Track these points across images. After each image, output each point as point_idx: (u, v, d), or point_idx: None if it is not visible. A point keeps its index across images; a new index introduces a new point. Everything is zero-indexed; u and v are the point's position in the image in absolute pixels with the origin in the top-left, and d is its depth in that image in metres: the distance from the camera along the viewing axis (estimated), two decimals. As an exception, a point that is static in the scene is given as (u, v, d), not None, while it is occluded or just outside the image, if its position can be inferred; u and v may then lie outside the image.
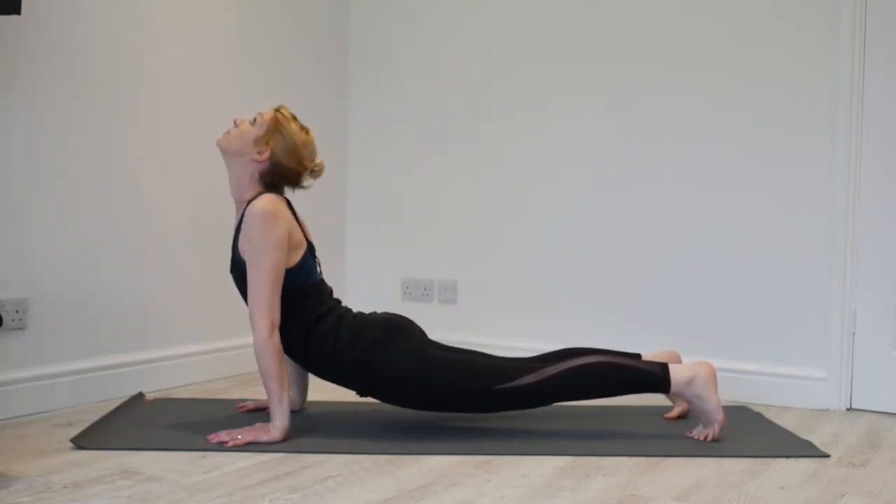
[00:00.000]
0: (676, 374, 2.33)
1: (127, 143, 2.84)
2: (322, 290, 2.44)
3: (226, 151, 2.41)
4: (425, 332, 2.46)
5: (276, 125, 2.40)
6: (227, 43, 3.21)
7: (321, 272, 2.48)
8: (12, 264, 2.52)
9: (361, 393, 2.41)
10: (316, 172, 2.47)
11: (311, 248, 2.43)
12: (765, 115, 2.91)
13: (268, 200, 2.32)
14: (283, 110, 2.44)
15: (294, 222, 2.37)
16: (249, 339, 3.26)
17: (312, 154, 2.45)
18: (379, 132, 3.71)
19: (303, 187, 2.48)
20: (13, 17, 2.45)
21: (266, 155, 2.37)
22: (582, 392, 2.35)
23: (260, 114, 2.44)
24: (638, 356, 2.41)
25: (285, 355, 2.31)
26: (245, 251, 2.31)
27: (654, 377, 2.34)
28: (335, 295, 2.52)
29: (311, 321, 2.36)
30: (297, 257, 2.36)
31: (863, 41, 2.77)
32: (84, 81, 2.70)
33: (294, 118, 2.45)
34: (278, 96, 3.42)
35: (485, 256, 3.46)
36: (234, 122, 2.44)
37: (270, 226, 2.28)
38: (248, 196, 2.38)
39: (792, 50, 2.87)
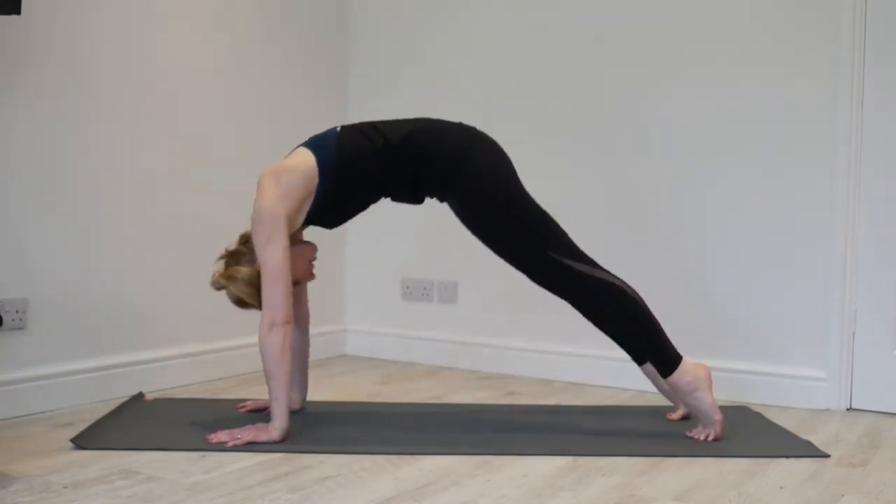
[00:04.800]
0: (681, 369, 2.34)
1: (127, 143, 2.84)
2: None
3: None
4: None
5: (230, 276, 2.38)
6: (227, 43, 3.21)
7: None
8: (12, 264, 2.52)
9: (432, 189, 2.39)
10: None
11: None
12: (765, 115, 2.91)
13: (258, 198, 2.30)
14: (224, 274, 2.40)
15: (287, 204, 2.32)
16: (249, 339, 3.28)
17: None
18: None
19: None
20: (13, 17, 2.45)
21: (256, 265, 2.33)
22: (611, 312, 2.35)
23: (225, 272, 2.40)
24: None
25: (287, 354, 2.27)
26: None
27: (671, 353, 2.35)
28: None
29: (377, 162, 2.34)
30: (304, 207, 2.33)
31: (863, 41, 2.77)
32: (84, 82, 2.70)
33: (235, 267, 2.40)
34: (278, 96, 3.43)
35: (485, 256, 3.45)
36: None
37: (256, 224, 2.27)
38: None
39: (792, 50, 2.87)
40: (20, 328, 2.54)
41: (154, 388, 2.89)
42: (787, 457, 2.21)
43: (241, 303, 2.40)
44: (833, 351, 2.82)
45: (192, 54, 3.07)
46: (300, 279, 2.46)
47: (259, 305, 2.32)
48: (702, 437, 2.34)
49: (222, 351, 3.17)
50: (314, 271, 2.51)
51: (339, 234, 3.76)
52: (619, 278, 2.38)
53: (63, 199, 2.65)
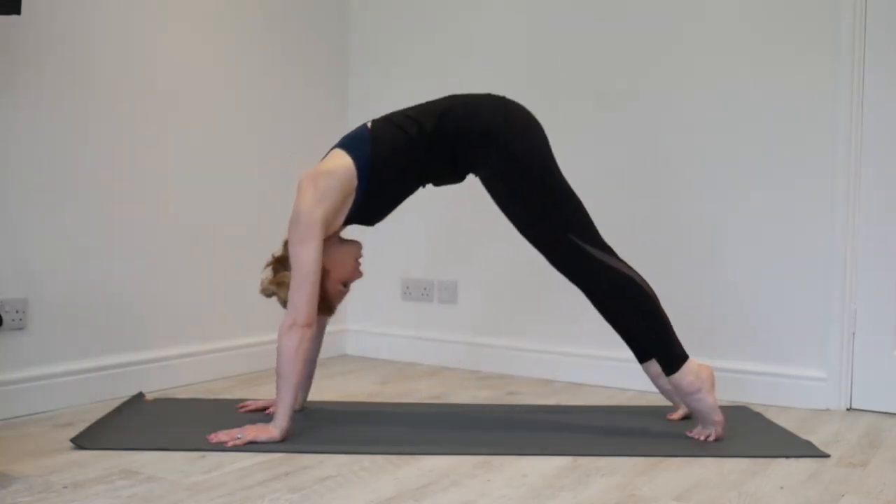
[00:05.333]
0: (685, 368, 2.34)
1: (127, 143, 2.84)
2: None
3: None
4: None
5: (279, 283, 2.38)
6: (228, 42, 3.21)
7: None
8: (12, 264, 2.52)
9: (469, 165, 2.38)
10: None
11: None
12: (764, 115, 2.91)
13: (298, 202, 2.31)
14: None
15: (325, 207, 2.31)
16: (249, 339, 3.29)
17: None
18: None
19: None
20: (13, 17, 2.45)
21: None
22: (624, 303, 2.35)
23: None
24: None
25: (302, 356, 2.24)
26: None
27: (677, 352, 2.35)
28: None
29: (416, 147, 2.34)
30: (343, 208, 2.33)
31: (863, 41, 2.77)
32: (84, 82, 2.70)
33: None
34: (278, 95, 3.43)
35: (485, 256, 3.46)
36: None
37: (292, 226, 2.27)
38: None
39: (792, 50, 2.87)
40: (20, 328, 2.54)
41: (154, 388, 2.89)
42: (787, 457, 2.21)
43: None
44: (833, 351, 2.82)
45: (192, 54, 3.07)
46: (349, 279, 2.44)
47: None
48: (701, 438, 2.34)
49: (222, 351, 3.17)
50: (361, 269, 2.49)
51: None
52: (635, 271, 2.38)
53: (63, 199, 2.65)
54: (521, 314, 3.37)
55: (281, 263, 2.39)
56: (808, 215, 2.85)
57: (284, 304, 2.33)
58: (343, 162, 2.31)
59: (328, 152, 2.41)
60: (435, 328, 3.57)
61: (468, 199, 3.47)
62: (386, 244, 3.67)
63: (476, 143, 2.34)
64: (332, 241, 2.37)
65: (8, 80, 2.50)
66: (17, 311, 2.52)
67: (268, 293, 2.41)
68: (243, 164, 3.27)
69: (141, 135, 2.89)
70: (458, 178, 2.46)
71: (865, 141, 2.78)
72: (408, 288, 3.61)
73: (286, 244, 2.38)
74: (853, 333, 2.80)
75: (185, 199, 3.04)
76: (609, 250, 2.37)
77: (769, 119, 2.90)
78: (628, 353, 3.03)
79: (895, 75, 2.74)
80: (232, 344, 3.21)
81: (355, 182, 2.31)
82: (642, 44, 3.12)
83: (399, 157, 2.34)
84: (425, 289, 3.58)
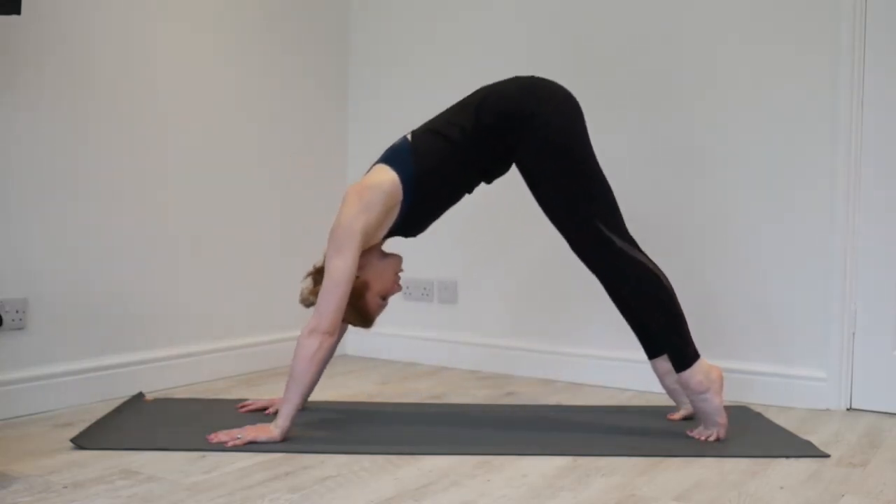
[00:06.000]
0: (696, 367, 2.34)
1: (127, 143, 2.84)
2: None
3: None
4: None
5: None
6: (228, 43, 3.21)
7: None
8: (12, 264, 2.52)
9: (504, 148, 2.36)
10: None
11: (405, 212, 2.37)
12: (764, 115, 2.91)
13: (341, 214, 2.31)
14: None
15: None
16: (249, 339, 3.29)
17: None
18: (379, 132, 3.71)
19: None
20: (13, 17, 2.45)
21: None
22: (643, 295, 2.34)
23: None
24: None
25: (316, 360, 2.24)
26: None
27: (690, 349, 2.35)
28: None
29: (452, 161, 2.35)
30: (386, 222, 2.34)
31: (863, 41, 2.77)
32: (84, 82, 2.70)
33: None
34: (279, 95, 3.43)
35: (485, 256, 3.46)
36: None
37: (332, 235, 2.28)
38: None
39: (792, 50, 2.87)
40: (20, 328, 2.54)
41: (154, 388, 2.89)
42: (787, 457, 2.21)
43: None
44: (833, 351, 2.82)
45: (192, 54, 3.07)
46: (388, 292, 2.43)
47: (350, 319, 2.37)
48: (702, 438, 2.34)
49: (222, 351, 3.17)
50: (400, 282, 2.48)
51: (339, 234, 3.75)
52: (655, 265, 2.38)
53: (63, 198, 2.65)
54: (521, 314, 3.37)
55: (321, 274, 2.38)
56: (808, 215, 2.85)
57: None
58: (388, 176, 2.31)
59: (370, 167, 2.40)
60: (435, 328, 3.57)
61: (468, 198, 3.47)
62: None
63: (515, 126, 2.32)
64: (373, 253, 2.38)
65: (8, 80, 2.50)
66: (17, 311, 2.52)
67: (307, 303, 2.40)
68: (243, 164, 3.27)
69: (141, 135, 2.88)
70: (507, 166, 2.44)
71: (865, 141, 2.78)
72: (408, 288, 3.61)
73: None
74: (853, 333, 2.80)
75: (185, 198, 3.04)
76: (633, 242, 2.37)
77: (769, 119, 2.90)
78: (628, 354, 3.04)
79: (895, 75, 2.74)
80: (232, 344, 3.21)
81: (400, 195, 2.31)
82: (642, 45, 3.12)
83: (445, 167, 2.34)
84: (425, 289, 3.58)
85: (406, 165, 2.31)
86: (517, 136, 2.33)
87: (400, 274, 2.46)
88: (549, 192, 2.36)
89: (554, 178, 2.34)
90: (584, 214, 2.32)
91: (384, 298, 2.43)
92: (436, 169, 2.33)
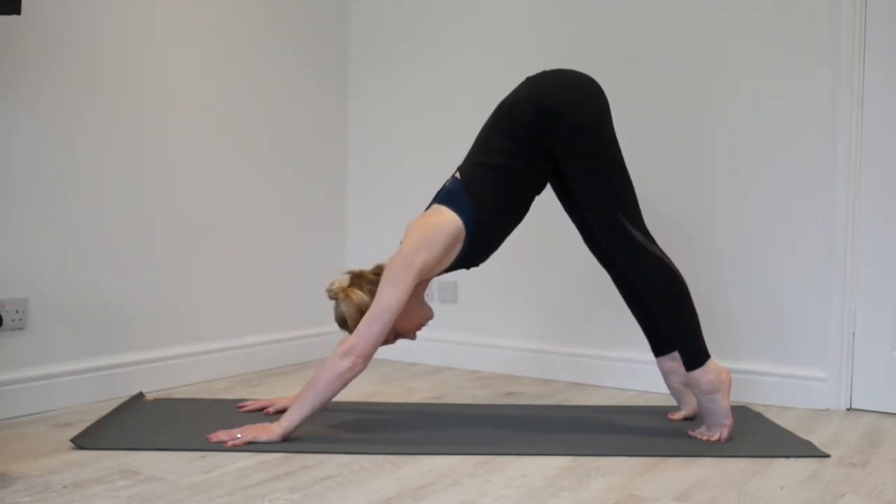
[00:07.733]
0: (707, 367, 2.34)
1: (127, 143, 2.84)
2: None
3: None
4: None
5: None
6: (228, 43, 3.21)
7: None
8: (12, 264, 2.52)
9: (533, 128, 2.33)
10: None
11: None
12: (765, 115, 2.91)
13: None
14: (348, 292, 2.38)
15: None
16: (249, 339, 3.29)
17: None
18: (378, 133, 3.71)
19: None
20: (13, 18, 2.45)
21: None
22: (659, 290, 2.34)
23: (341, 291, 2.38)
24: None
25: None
26: None
27: (702, 348, 2.35)
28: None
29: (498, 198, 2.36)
30: (446, 259, 2.34)
31: (863, 41, 2.77)
32: (84, 82, 2.70)
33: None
34: (279, 94, 3.43)
35: (485, 256, 3.46)
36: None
37: (392, 262, 2.28)
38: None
39: (791, 50, 2.87)
40: (20, 328, 2.54)
41: (154, 388, 2.89)
42: (787, 457, 2.21)
43: (343, 322, 2.37)
44: (833, 351, 2.82)
45: (192, 54, 3.07)
46: (404, 335, 2.43)
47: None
48: (704, 438, 2.33)
49: (222, 351, 3.17)
50: (417, 334, 2.48)
51: (339, 234, 3.76)
52: (671, 260, 2.38)
53: (63, 199, 2.65)
54: (521, 314, 3.37)
55: (360, 279, 2.38)
56: (808, 215, 2.85)
57: (341, 316, 2.35)
58: (449, 217, 2.32)
59: (428, 207, 2.40)
60: (435, 328, 3.56)
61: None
62: (385, 244, 3.66)
63: (548, 121, 2.31)
64: (417, 292, 2.37)
65: (8, 81, 2.50)
66: (17, 311, 2.52)
67: (332, 295, 2.38)
68: (243, 164, 3.27)
69: (141, 135, 2.88)
70: (552, 164, 2.41)
71: (865, 141, 2.78)
72: (408, 288, 3.61)
73: (377, 268, 2.39)
74: (853, 333, 2.80)
75: (185, 199, 3.04)
76: (650, 237, 2.37)
77: (768, 119, 2.90)
78: (629, 354, 3.04)
79: (895, 75, 2.74)
80: (232, 344, 3.21)
81: (462, 235, 2.32)
82: (641, 46, 3.12)
83: (499, 198, 2.35)
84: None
85: (464, 204, 2.32)
86: (550, 129, 2.31)
87: (424, 328, 2.47)
88: (581, 177, 2.34)
89: (585, 164, 2.33)
90: (605, 203, 2.32)
91: (396, 338, 2.42)
92: (492, 202, 2.34)
